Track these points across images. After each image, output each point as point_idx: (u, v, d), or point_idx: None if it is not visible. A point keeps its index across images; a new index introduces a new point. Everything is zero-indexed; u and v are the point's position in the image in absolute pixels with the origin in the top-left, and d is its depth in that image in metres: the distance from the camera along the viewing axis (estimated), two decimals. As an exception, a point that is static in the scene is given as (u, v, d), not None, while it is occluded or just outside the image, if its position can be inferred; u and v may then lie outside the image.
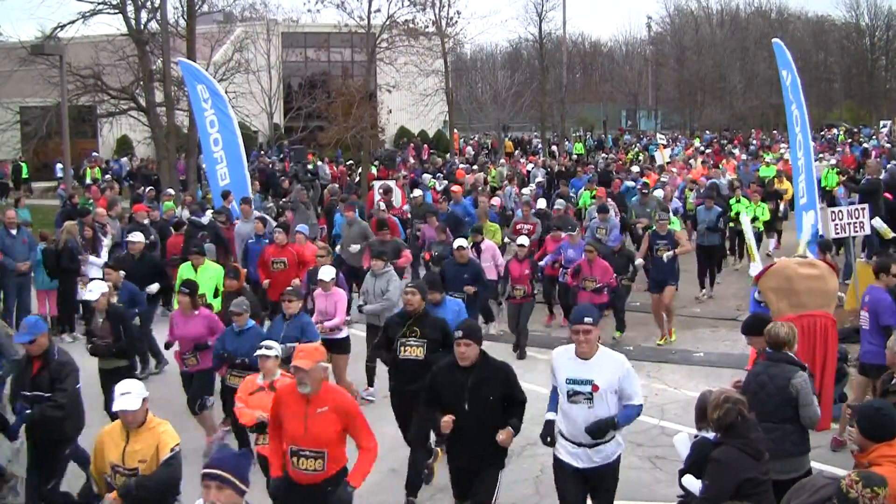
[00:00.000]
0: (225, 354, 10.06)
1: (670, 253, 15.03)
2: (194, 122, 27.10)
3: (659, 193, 21.44)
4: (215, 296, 12.86)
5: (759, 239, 18.79)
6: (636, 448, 10.48)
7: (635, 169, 28.67)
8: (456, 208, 19.43)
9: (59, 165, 33.84)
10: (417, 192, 21.24)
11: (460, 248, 13.90)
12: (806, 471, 7.15)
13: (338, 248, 17.31)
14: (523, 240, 15.22)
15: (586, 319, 6.98)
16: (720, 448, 6.20)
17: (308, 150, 35.82)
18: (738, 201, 20.25)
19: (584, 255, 14.63)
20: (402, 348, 9.27)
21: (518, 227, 18.07)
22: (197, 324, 10.86)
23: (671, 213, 19.22)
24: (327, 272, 12.19)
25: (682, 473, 6.71)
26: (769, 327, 7.58)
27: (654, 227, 15.73)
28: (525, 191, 22.94)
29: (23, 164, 37.31)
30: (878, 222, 15.88)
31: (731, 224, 19.72)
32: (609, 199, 20.40)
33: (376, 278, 12.44)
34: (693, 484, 6.47)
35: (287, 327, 10.62)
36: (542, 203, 20.26)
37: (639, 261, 15.91)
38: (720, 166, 30.87)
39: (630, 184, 24.91)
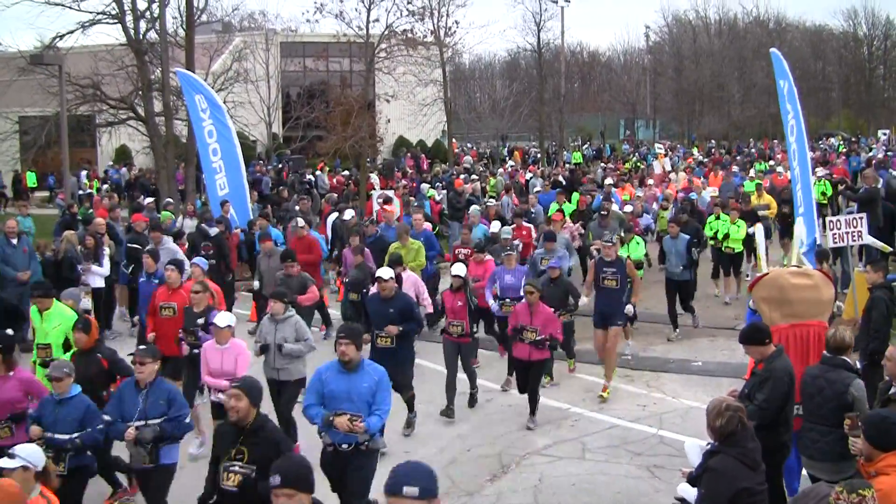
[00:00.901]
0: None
1: (630, 307, 13.32)
2: (193, 131, 27.24)
3: (629, 209, 19.96)
4: (66, 349, 10.24)
5: (739, 262, 18.81)
6: (634, 457, 10.51)
7: (609, 181, 25.81)
8: (388, 232, 17.43)
9: (52, 178, 34.13)
10: (388, 206, 19.97)
11: (380, 279, 11.20)
12: (854, 473, 7.22)
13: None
14: (458, 268, 12.60)
15: (406, 490, 4.27)
16: (717, 457, 6.21)
17: (321, 160, 35.82)
18: (718, 218, 18.85)
19: (524, 295, 12.10)
20: (226, 474, 6.93)
21: (456, 251, 16.33)
22: (11, 387, 8.65)
23: (642, 234, 18.77)
24: (223, 318, 9.99)
25: (692, 480, 6.72)
26: (832, 332, 7.88)
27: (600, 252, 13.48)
28: (475, 209, 19.54)
29: (29, 173, 37.55)
30: (869, 238, 15.79)
31: (712, 242, 18.83)
32: (569, 223, 18.53)
33: (277, 324, 10.43)
34: (689, 492, 6.48)
35: (145, 399, 8.15)
36: (495, 226, 17.95)
37: (582, 299, 13.36)
38: (706, 179, 28.98)
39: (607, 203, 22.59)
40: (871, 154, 40.55)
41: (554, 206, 20.85)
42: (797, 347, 8.52)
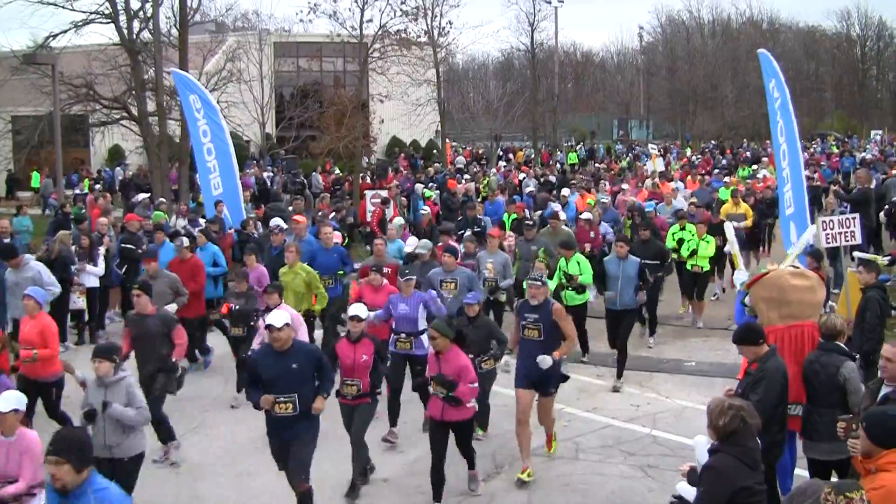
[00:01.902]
0: None
1: (546, 359, 9.63)
2: (186, 131, 27.22)
3: (587, 216, 17.73)
4: None
5: (704, 284, 16.80)
6: (628, 457, 10.52)
7: (565, 192, 22.39)
8: (305, 246, 14.38)
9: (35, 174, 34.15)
10: (298, 217, 16.93)
11: (271, 327, 8.42)
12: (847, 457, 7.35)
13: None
14: (358, 308, 9.66)
15: None
16: (716, 456, 6.19)
17: (326, 160, 35.82)
18: (683, 229, 16.76)
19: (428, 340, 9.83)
20: None
21: (364, 276, 12.54)
22: None
23: (596, 249, 16.59)
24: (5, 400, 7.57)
25: (694, 478, 6.66)
26: (824, 319, 8.28)
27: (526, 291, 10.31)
28: (398, 221, 17.54)
29: (33, 173, 37.65)
30: (860, 254, 15.68)
31: (675, 255, 16.48)
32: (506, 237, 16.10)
33: (106, 388, 8.17)
34: (687, 491, 6.46)
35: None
36: (412, 242, 14.95)
37: (504, 358, 10.88)
38: (683, 183, 26.32)
39: (555, 207, 19.93)
40: (864, 154, 40.65)
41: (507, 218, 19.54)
42: (792, 348, 8.53)
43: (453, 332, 9.08)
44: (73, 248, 15.86)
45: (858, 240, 15.54)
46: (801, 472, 8.65)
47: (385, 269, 12.73)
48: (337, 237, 15.54)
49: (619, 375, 13.30)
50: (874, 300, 10.78)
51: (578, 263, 13.87)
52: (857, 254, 15.42)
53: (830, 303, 14.15)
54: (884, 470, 5.84)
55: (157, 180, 29.05)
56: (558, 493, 9.62)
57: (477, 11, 56.16)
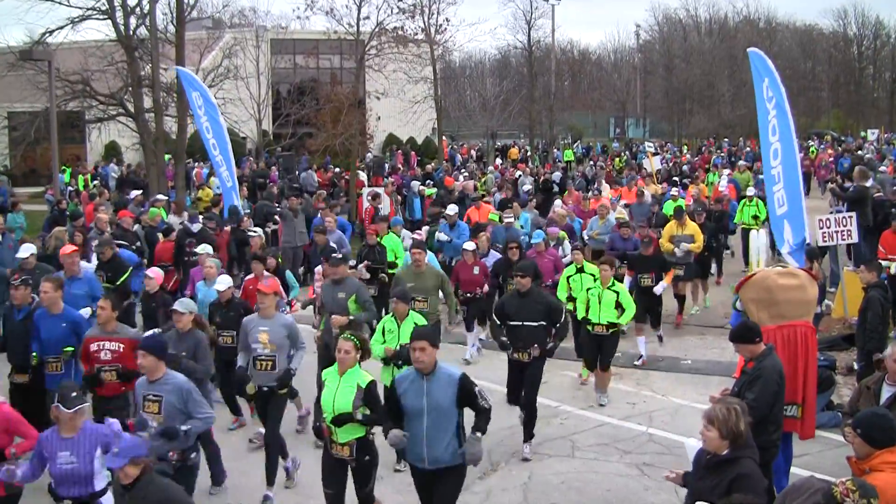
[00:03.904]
0: None
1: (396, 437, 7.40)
2: (183, 127, 27.24)
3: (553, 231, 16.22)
4: None
5: (611, 345, 12.36)
6: (624, 455, 10.52)
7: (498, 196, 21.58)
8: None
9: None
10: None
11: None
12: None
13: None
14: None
15: None
16: (744, 462, 6.11)
17: (322, 160, 35.90)
18: (581, 270, 13.53)
19: None
20: None
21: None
22: None
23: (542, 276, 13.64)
24: None
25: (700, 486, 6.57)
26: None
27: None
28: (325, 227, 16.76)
29: (66, 169, 37.63)
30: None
31: (570, 307, 12.97)
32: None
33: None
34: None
35: None
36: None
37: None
38: (643, 189, 22.54)
39: (526, 216, 18.95)
40: (860, 152, 40.67)
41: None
42: (785, 348, 8.52)
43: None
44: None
45: (855, 238, 15.60)
46: (797, 472, 8.66)
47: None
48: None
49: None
50: (876, 300, 10.81)
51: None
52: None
53: (826, 301, 14.21)
54: (878, 470, 5.90)
55: (153, 177, 29.00)
56: (554, 490, 9.61)
57: (474, 9, 56.47)
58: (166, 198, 22.79)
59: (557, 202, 21.22)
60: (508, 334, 10.55)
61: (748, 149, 49.67)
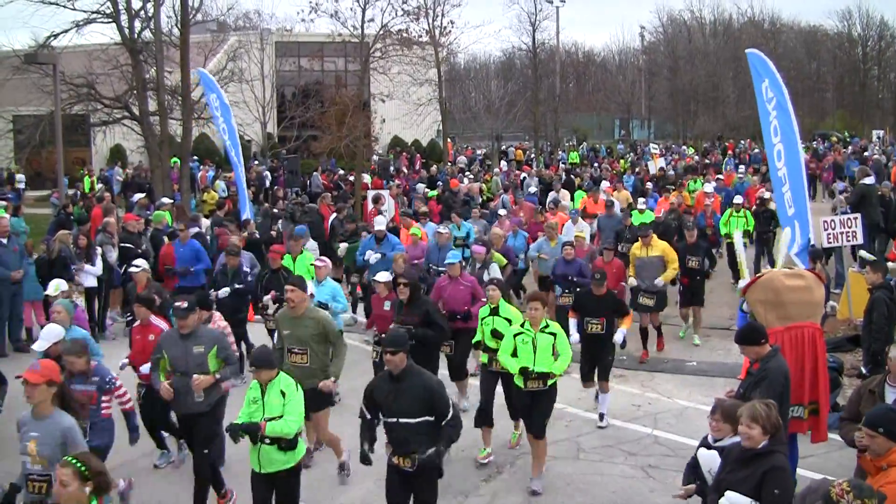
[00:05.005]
0: None
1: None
2: (188, 130, 27.32)
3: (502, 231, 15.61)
4: None
5: (545, 406, 9.75)
6: (629, 457, 10.50)
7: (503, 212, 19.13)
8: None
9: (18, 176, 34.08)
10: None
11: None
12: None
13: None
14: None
15: None
16: (776, 456, 6.15)
17: (327, 163, 36.00)
18: (496, 313, 10.47)
19: None
20: None
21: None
22: None
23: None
24: None
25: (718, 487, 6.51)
26: None
27: None
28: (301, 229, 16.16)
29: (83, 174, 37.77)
30: (864, 254, 15.61)
31: (483, 358, 10.66)
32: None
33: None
34: (737, 500, 6.22)
35: None
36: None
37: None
38: (612, 199, 20.26)
39: (469, 226, 17.77)
40: (865, 154, 40.62)
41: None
42: (793, 350, 8.51)
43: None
44: (71, 247, 15.85)
45: (860, 239, 15.57)
46: (803, 473, 8.64)
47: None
48: None
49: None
50: (881, 300, 10.78)
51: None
52: (862, 253, 15.44)
53: (831, 302, 14.18)
54: (894, 466, 5.93)
55: (158, 180, 29.05)
56: (559, 492, 9.60)
57: (478, 11, 56.65)
58: (172, 201, 22.82)
59: (503, 211, 19.08)
60: (387, 431, 7.64)
61: (755, 150, 49.61)
